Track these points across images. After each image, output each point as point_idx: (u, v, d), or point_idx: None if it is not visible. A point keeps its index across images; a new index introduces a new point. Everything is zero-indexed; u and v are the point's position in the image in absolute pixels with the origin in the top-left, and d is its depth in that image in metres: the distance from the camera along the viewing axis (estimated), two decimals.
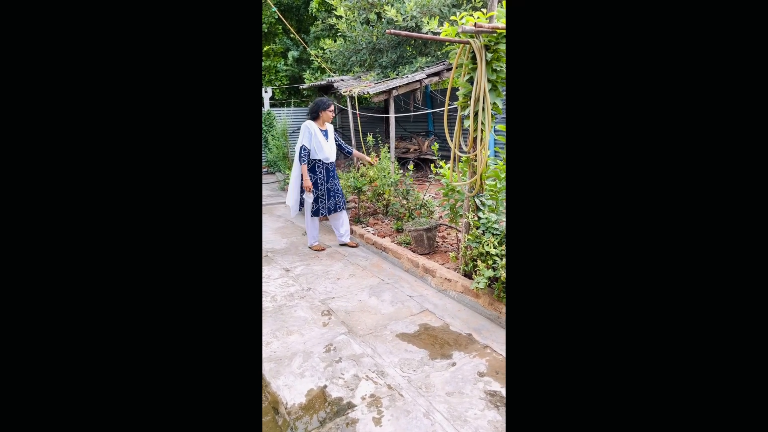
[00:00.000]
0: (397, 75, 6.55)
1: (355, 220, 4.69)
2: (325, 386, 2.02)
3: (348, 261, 3.76)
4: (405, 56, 6.97)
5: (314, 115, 3.82)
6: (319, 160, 3.82)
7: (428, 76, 6.15)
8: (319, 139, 3.75)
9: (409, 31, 5.43)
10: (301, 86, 8.69)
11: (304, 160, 3.74)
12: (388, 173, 4.51)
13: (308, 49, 8.82)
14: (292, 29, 8.62)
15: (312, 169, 3.82)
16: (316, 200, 3.88)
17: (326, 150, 3.79)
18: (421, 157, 7.51)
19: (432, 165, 4.67)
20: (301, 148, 3.73)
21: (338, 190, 3.96)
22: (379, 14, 6.92)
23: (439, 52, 6.91)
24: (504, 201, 3.06)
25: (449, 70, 6.43)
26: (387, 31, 2.39)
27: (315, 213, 3.91)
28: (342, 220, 4.05)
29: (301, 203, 3.97)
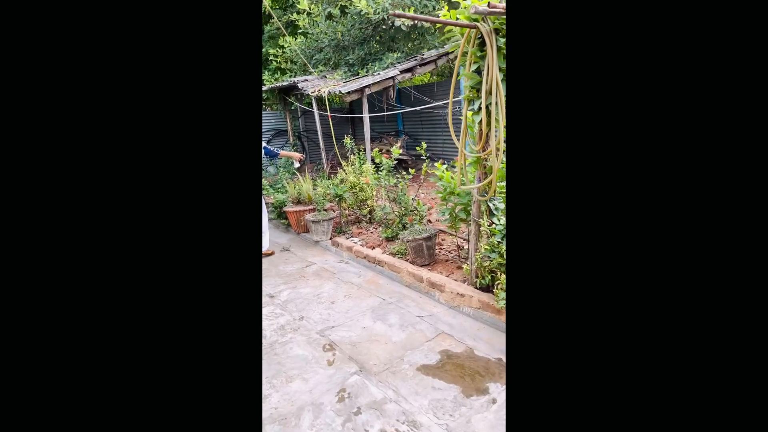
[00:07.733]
0: (367, 72, 6.18)
1: (337, 230, 4.27)
2: None
3: (339, 279, 3.34)
4: (372, 53, 6.62)
5: None
6: None
7: (401, 72, 5.83)
8: None
9: (382, 23, 5.08)
10: None
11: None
12: (375, 176, 4.14)
13: (264, 48, 8.25)
14: None
15: None
16: None
17: None
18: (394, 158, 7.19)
19: (404, 167, 4.33)
20: None
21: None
22: (343, 8, 6.52)
23: (407, 48, 6.62)
24: None
25: (422, 65, 6.16)
26: (391, 12, 2.02)
27: None
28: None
29: None
